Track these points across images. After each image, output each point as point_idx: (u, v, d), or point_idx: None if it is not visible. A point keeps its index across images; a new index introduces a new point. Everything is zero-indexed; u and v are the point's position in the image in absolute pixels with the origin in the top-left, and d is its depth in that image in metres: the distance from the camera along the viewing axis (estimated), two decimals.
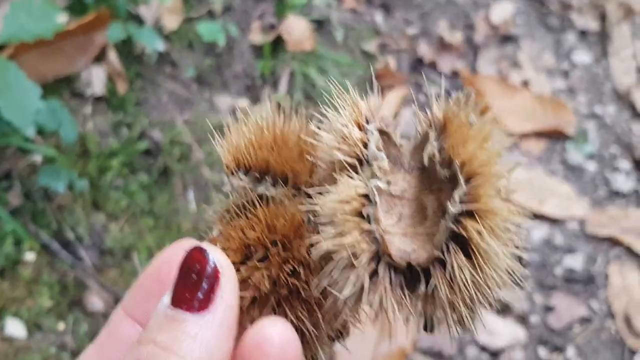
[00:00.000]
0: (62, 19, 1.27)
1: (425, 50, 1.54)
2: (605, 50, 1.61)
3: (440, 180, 0.35)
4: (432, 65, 1.52)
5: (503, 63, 1.56)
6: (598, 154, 1.46)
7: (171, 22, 1.44)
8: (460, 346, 1.19)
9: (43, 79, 1.28)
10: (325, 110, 0.37)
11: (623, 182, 1.43)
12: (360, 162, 0.35)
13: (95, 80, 1.32)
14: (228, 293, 0.34)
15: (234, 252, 0.38)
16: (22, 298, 1.13)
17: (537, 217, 1.35)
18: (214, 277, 0.34)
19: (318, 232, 0.34)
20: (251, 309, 0.37)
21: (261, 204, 0.39)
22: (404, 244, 0.35)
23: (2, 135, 1.14)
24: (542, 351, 1.22)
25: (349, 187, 0.34)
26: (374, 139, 0.36)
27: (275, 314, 0.37)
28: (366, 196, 0.34)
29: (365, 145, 0.35)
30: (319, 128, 0.37)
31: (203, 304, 0.34)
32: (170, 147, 1.31)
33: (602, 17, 1.64)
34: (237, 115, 0.43)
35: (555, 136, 1.47)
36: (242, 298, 0.36)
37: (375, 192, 0.34)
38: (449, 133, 0.35)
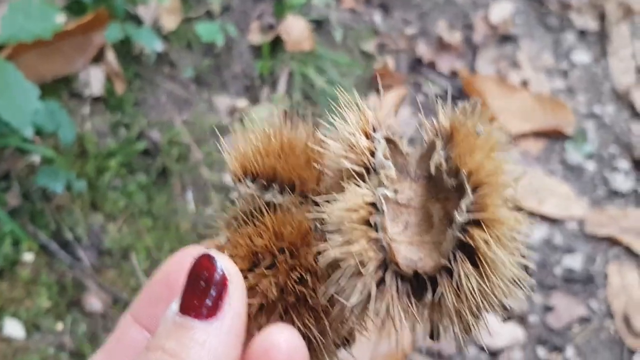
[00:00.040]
0: (60, 19, 1.27)
1: (424, 50, 1.54)
2: (604, 50, 1.61)
3: (446, 189, 0.36)
4: (431, 65, 1.52)
5: (502, 63, 1.56)
6: (597, 153, 1.46)
7: (170, 23, 1.44)
8: (459, 346, 1.19)
9: (41, 80, 1.28)
10: (333, 118, 0.37)
11: (622, 181, 1.43)
12: (368, 170, 0.36)
13: (94, 80, 1.32)
14: (236, 300, 0.35)
15: (241, 259, 0.38)
16: (21, 298, 1.13)
17: (537, 217, 1.35)
18: (222, 284, 0.34)
19: (325, 240, 0.35)
20: (258, 316, 0.37)
21: (268, 212, 0.39)
22: (410, 252, 0.35)
23: (0, 135, 1.14)
24: (541, 351, 1.22)
25: (357, 195, 0.34)
26: (381, 148, 0.36)
27: (282, 321, 0.37)
28: (373, 204, 0.34)
29: (373, 154, 0.36)
30: (326, 136, 0.37)
31: (211, 311, 0.34)
32: (169, 147, 1.31)
33: (602, 17, 1.64)
34: (240, 118, 0.43)
35: (554, 136, 1.47)
36: (249, 305, 0.36)
37: (383, 201, 0.34)
38: (455, 142, 0.35)
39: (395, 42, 1.55)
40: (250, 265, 0.38)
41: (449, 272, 0.33)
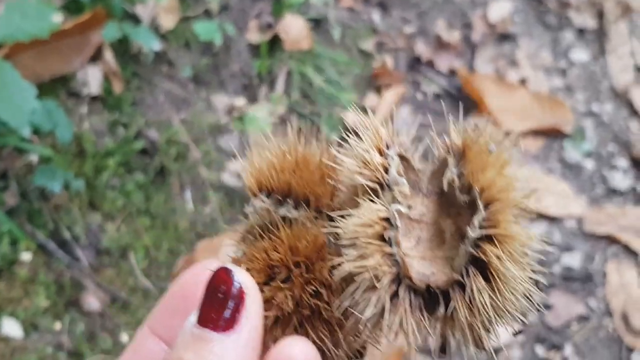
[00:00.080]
0: (57, 18, 1.27)
1: (422, 49, 1.54)
2: (602, 48, 1.60)
3: (458, 205, 0.37)
4: (430, 64, 1.52)
5: (501, 61, 1.56)
6: (596, 152, 1.46)
7: (167, 22, 1.44)
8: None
9: (39, 79, 1.27)
10: (347, 135, 0.38)
11: (621, 180, 1.43)
12: (382, 186, 0.36)
13: (91, 79, 1.32)
14: (253, 313, 0.35)
15: (257, 272, 0.39)
16: (19, 298, 1.13)
17: (529, 210, 1.35)
18: (240, 297, 0.35)
19: (340, 254, 0.35)
20: (274, 328, 0.38)
21: (284, 226, 0.40)
22: (422, 267, 0.36)
23: None
24: (540, 349, 1.22)
25: (371, 210, 0.35)
26: (395, 165, 0.37)
27: (297, 333, 0.38)
28: (387, 220, 0.35)
29: (386, 170, 0.37)
30: (340, 153, 0.38)
31: (229, 324, 0.34)
32: (167, 146, 1.31)
33: (600, 15, 1.64)
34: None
35: (552, 134, 1.47)
36: (265, 317, 0.37)
37: (397, 216, 0.35)
38: (468, 159, 0.36)
39: (393, 41, 1.55)
40: (266, 278, 0.39)
41: (462, 286, 0.34)
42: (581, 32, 1.63)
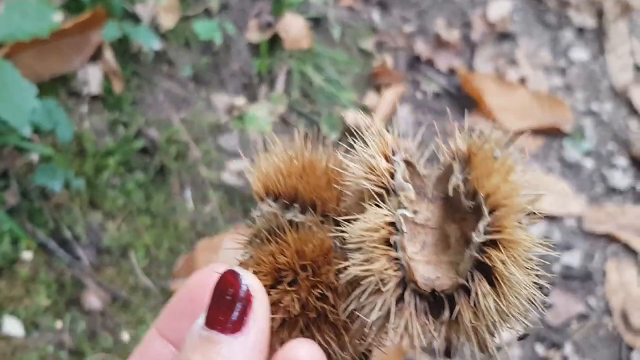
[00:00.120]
0: (57, 17, 1.27)
1: (422, 48, 1.54)
2: (602, 48, 1.61)
3: (463, 211, 0.37)
4: (429, 63, 1.52)
5: (500, 60, 1.56)
6: (595, 150, 1.47)
7: (167, 21, 1.44)
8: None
9: (39, 78, 1.28)
10: (353, 141, 0.39)
11: (620, 178, 1.43)
12: (387, 191, 0.37)
13: (92, 79, 1.32)
14: (260, 316, 0.36)
15: (265, 276, 0.39)
16: (20, 297, 1.13)
17: (534, 214, 1.35)
18: (247, 300, 0.35)
19: (346, 258, 0.36)
20: (280, 330, 0.39)
21: (290, 230, 0.41)
22: (427, 272, 0.36)
23: None
24: (540, 348, 1.22)
25: (377, 215, 0.36)
26: (401, 170, 0.37)
27: (303, 336, 0.38)
28: (393, 224, 0.36)
29: (392, 176, 0.37)
30: (346, 158, 0.39)
31: (236, 326, 0.35)
32: (167, 145, 1.31)
33: (600, 14, 1.64)
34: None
35: (552, 133, 1.47)
36: (272, 320, 0.38)
37: (402, 221, 0.36)
38: (473, 165, 0.36)
39: (393, 40, 1.55)
40: (273, 281, 0.39)
41: (466, 291, 0.35)
42: (581, 31, 1.63)
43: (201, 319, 0.36)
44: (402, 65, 1.52)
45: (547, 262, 0.36)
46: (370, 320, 0.35)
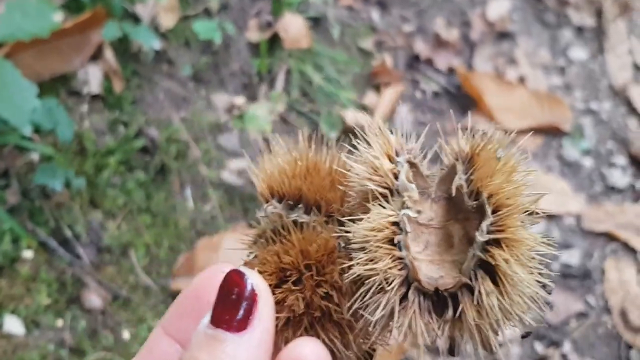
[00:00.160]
0: (57, 17, 1.27)
1: (421, 47, 1.54)
2: (601, 47, 1.61)
3: (466, 210, 0.37)
4: (429, 62, 1.53)
5: (499, 60, 1.56)
6: (594, 149, 1.47)
7: (167, 21, 1.44)
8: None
9: (39, 78, 1.28)
10: (357, 142, 0.39)
11: (619, 177, 1.43)
12: (391, 192, 0.37)
13: (92, 78, 1.33)
14: (265, 315, 0.36)
15: (269, 275, 0.40)
16: (21, 295, 1.14)
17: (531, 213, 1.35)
18: (252, 299, 0.36)
19: (350, 258, 0.36)
20: (285, 329, 0.39)
21: (295, 230, 0.41)
22: (431, 271, 0.37)
23: None
24: (539, 346, 1.22)
25: (381, 215, 0.36)
26: (404, 171, 0.38)
27: (307, 334, 0.39)
28: (396, 224, 0.36)
29: (396, 176, 0.38)
30: (350, 159, 0.39)
31: (242, 325, 0.35)
32: (167, 145, 1.32)
33: (599, 14, 1.65)
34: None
35: (551, 132, 1.48)
36: (276, 319, 0.38)
37: (406, 221, 0.36)
38: (476, 165, 0.37)
39: (393, 39, 1.56)
40: (278, 281, 0.40)
41: (470, 289, 0.35)
42: (580, 30, 1.63)
43: (207, 318, 0.36)
44: (402, 64, 1.53)
45: (548, 261, 0.36)
46: (374, 318, 0.35)
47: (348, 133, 1.35)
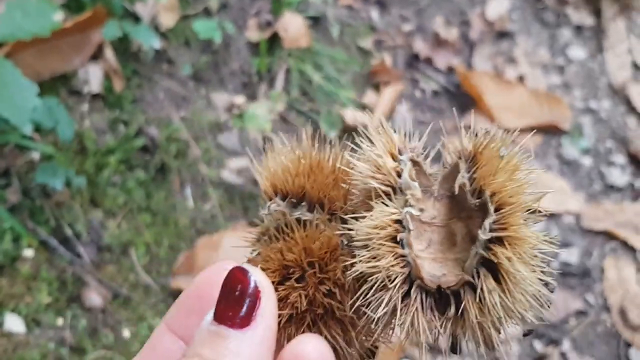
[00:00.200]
0: (58, 17, 1.27)
1: (421, 46, 1.54)
2: (600, 46, 1.61)
3: (469, 209, 0.38)
4: (428, 62, 1.53)
5: (498, 59, 1.57)
6: (593, 148, 1.47)
7: (167, 20, 1.45)
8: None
9: (40, 77, 1.28)
10: (360, 141, 0.39)
11: (618, 176, 1.43)
12: (394, 190, 0.38)
13: (92, 78, 1.33)
14: (268, 311, 0.36)
15: (272, 272, 0.40)
16: (21, 294, 1.14)
17: (533, 212, 1.36)
18: (255, 296, 0.36)
19: (353, 256, 0.37)
20: (288, 326, 0.39)
21: (298, 228, 0.42)
22: (433, 269, 0.37)
23: (0, 132, 1.15)
24: (538, 344, 1.23)
25: (384, 213, 0.36)
26: (407, 169, 0.38)
27: (310, 331, 0.39)
28: (399, 222, 0.37)
29: (399, 175, 0.38)
30: (353, 157, 0.40)
31: (245, 321, 0.36)
32: (167, 144, 1.32)
33: (598, 13, 1.65)
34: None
35: (550, 131, 1.48)
36: (279, 315, 0.38)
37: (409, 219, 0.36)
38: (479, 164, 0.37)
39: (392, 39, 1.56)
40: (281, 278, 0.40)
41: (472, 287, 0.35)
42: (579, 29, 1.63)
43: (210, 314, 0.36)
44: (401, 63, 1.53)
45: (549, 259, 0.36)
46: (376, 316, 0.35)
47: (348, 132, 1.35)
